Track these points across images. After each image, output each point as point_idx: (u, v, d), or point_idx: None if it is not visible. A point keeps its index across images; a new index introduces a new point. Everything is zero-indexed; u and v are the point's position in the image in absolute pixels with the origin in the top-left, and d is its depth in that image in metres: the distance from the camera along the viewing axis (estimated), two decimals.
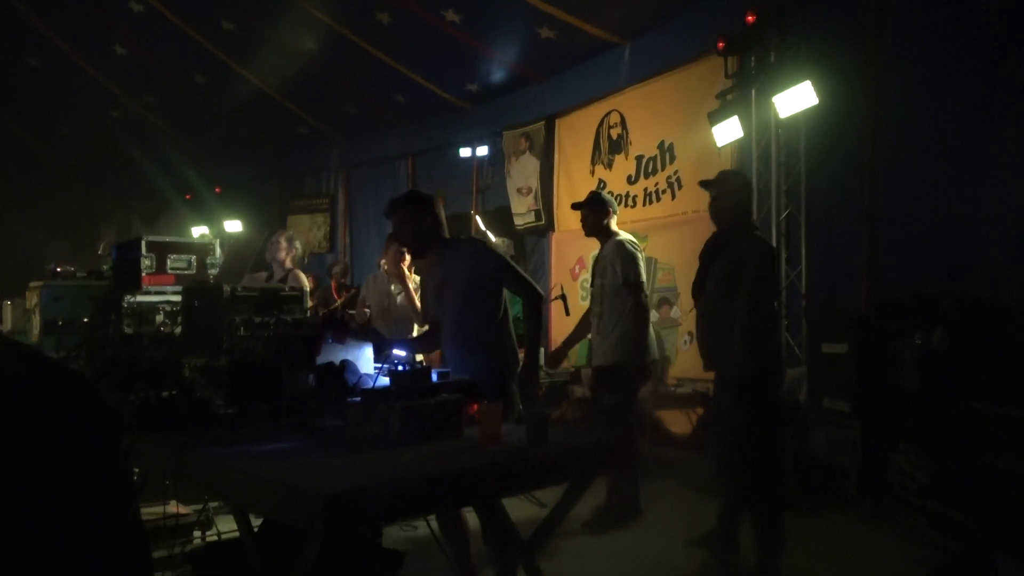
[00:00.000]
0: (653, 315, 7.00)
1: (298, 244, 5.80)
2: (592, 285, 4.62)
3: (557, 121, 8.40)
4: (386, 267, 5.18)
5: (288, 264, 5.68)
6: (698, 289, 4.02)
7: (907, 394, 4.09)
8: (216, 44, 9.14)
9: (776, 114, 5.52)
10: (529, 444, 2.43)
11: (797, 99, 5.16)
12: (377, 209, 10.90)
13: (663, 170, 7.11)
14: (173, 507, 3.39)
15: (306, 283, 5.49)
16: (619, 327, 4.42)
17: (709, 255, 3.98)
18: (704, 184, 4.12)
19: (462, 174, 9.30)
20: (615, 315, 4.43)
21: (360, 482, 2.02)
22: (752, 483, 3.75)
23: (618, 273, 4.42)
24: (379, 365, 2.99)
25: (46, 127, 11.65)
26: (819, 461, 4.84)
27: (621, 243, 4.48)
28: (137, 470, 2.78)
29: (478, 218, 8.62)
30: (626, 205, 7.46)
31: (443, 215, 3.60)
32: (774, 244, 5.82)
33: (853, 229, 5.40)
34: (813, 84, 5.05)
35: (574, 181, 8.17)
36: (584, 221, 4.65)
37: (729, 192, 3.96)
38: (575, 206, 4.71)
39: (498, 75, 8.57)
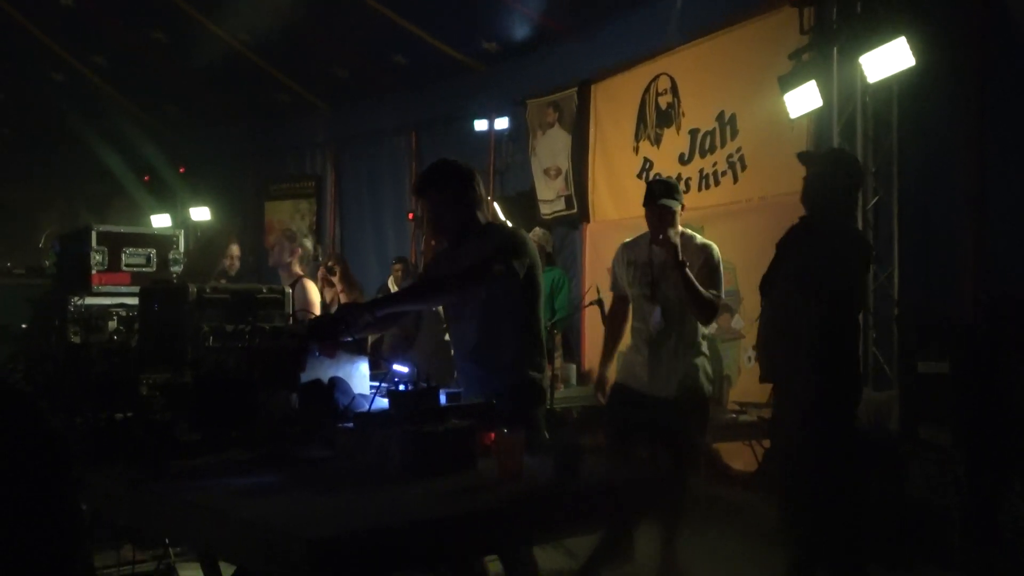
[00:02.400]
0: (711, 326, 7.00)
1: (307, 242, 5.91)
2: (657, 296, 4.41)
3: (593, 87, 8.40)
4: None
5: (297, 269, 5.71)
6: (768, 284, 4.01)
7: (1022, 422, 4.07)
8: None
9: (863, 78, 5.49)
10: (556, 481, 2.44)
11: (889, 59, 5.12)
12: (372, 194, 10.97)
13: (723, 147, 7.10)
14: (128, 552, 3.44)
15: (316, 297, 5.53)
16: (695, 348, 4.42)
17: (788, 245, 3.97)
18: (803, 157, 4.12)
19: (476, 152, 9.32)
20: (693, 333, 4.42)
21: (351, 525, 2.04)
22: (826, 530, 3.73)
23: (710, 287, 4.33)
24: (373, 382, 3.03)
25: None
26: (915, 502, 4.81)
27: (710, 248, 4.39)
28: (85, 507, 2.82)
29: (496, 205, 8.65)
30: None
31: (483, 193, 3.63)
32: None
33: (957, 220, 5.36)
34: (909, 41, 5.01)
35: (613, 160, 8.17)
36: (650, 219, 4.59)
37: (828, 172, 3.95)
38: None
39: (521, 30, 8.58)
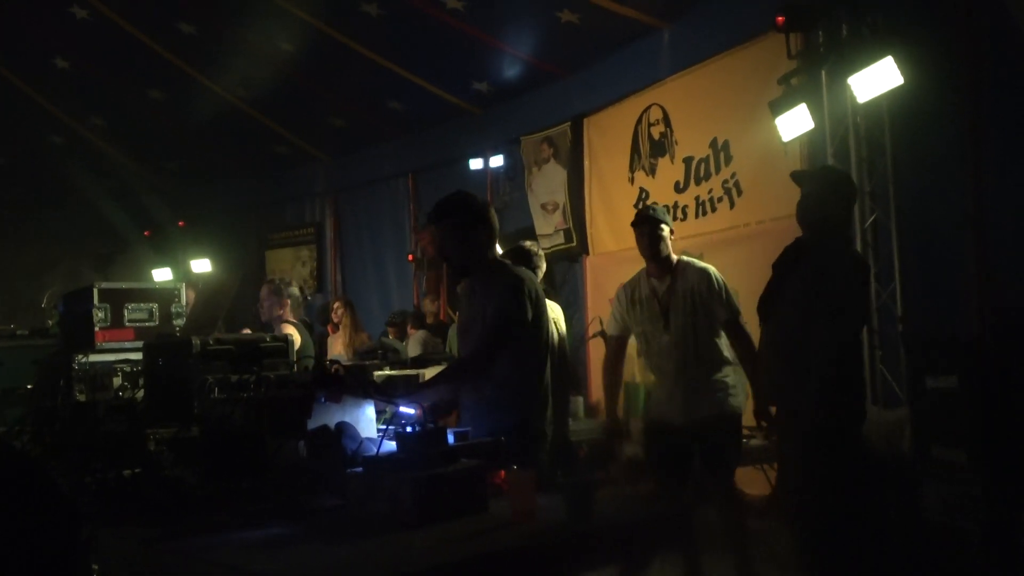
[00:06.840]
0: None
1: (294, 289, 5.85)
2: (670, 325, 4.52)
3: (586, 121, 8.44)
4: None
5: (291, 318, 5.70)
6: (766, 306, 4.03)
7: None
8: (175, 52, 9.32)
9: (853, 99, 5.51)
10: (570, 521, 2.41)
11: (878, 79, 5.14)
12: (373, 238, 11.00)
13: (718, 173, 7.11)
14: None
15: (296, 336, 5.52)
16: (716, 367, 4.52)
17: (784, 265, 4.00)
18: (796, 176, 4.20)
19: (473, 191, 9.32)
20: (712, 353, 4.50)
21: (365, 574, 2.01)
22: (839, 557, 3.69)
23: (724, 307, 4.50)
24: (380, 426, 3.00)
25: None
26: (933, 525, 4.75)
27: (709, 272, 4.52)
28: (96, 567, 2.79)
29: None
30: (675, 217, 7.45)
31: (496, 229, 3.62)
32: None
33: (957, 235, 5.34)
34: (896, 60, 5.03)
35: (610, 192, 8.19)
36: (640, 242, 4.62)
37: (823, 190, 3.99)
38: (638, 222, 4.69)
39: (512, 71, 8.65)
